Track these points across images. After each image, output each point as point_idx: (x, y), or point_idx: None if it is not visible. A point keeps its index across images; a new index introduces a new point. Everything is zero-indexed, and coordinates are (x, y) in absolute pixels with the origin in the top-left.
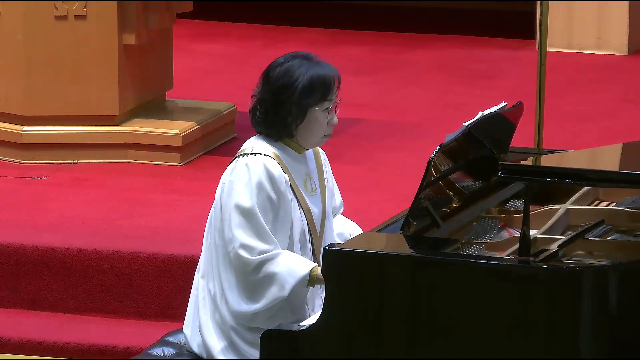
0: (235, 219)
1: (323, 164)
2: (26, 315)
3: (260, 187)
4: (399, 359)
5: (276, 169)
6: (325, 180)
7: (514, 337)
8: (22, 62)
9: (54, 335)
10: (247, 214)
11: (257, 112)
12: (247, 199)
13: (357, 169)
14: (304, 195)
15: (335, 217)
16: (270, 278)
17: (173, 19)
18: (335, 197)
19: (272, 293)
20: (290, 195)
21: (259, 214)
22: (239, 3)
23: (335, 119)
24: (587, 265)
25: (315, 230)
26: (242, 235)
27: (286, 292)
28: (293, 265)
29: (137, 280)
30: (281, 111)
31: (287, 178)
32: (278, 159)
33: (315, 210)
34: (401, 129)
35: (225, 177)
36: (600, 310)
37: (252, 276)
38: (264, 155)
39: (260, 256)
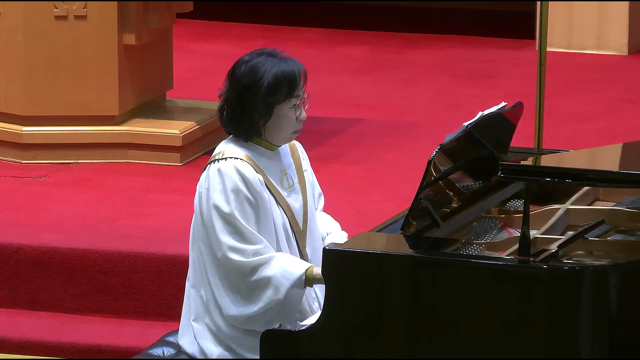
0: (218, 225)
1: (301, 158)
2: (26, 315)
3: (236, 191)
4: (399, 359)
5: (248, 171)
6: (305, 172)
7: (513, 337)
8: (22, 62)
9: (54, 335)
10: (228, 219)
11: (225, 112)
12: (226, 205)
13: (357, 169)
14: (281, 193)
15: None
16: (266, 281)
17: (173, 19)
18: (315, 188)
19: (268, 296)
20: (267, 194)
21: (240, 218)
22: (239, 3)
23: (304, 115)
24: (587, 265)
25: (297, 225)
26: (228, 239)
27: (282, 294)
28: (288, 267)
29: (137, 280)
30: (248, 110)
31: (261, 178)
32: (250, 160)
33: (296, 205)
34: (401, 129)
35: (201, 185)
36: (600, 310)
37: (247, 279)
38: (235, 158)
39: (255, 258)
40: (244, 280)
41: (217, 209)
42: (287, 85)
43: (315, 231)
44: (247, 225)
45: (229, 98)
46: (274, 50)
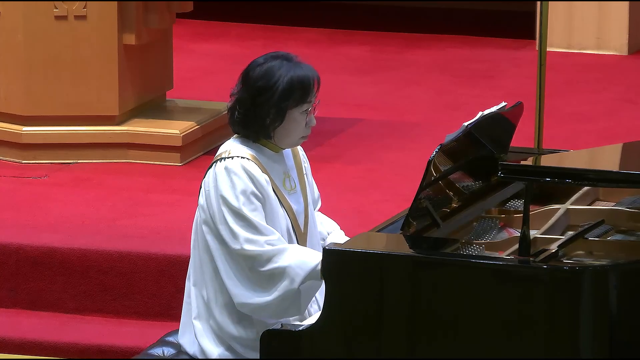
0: (231, 220)
1: (302, 161)
2: (26, 315)
3: (245, 187)
4: (399, 358)
5: (255, 170)
6: (305, 176)
7: (513, 337)
8: (22, 62)
9: (54, 335)
10: (238, 214)
11: (236, 112)
12: (235, 200)
13: (357, 169)
14: (284, 194)
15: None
16: (281, 271)
17: (173, 19)
18: (314, 191)
19: (284, 285)
20: (272, 194)
21: (250, 212)
22: (239, 3)
23: (314, 121)
24: (587, 265)
25: (299, 227)
26: (243, 232)
27: (296, 284)
28: (303, 257)
29: (137, 280)
30: (260, 113)
31: (267, 178)
32: (255, 160)
33: (297, 207)
34: (401, 129)
35: (208, 184)
36: (600, 310)
37: (262, 269)
38: (241, 157)
39: (269, 247)
40: (259, 270)
41: (227, 204)
42: (301, 91)
43: (314, 234)
44: (257, 219)
45: (241, 99)
46: (289, 54)
